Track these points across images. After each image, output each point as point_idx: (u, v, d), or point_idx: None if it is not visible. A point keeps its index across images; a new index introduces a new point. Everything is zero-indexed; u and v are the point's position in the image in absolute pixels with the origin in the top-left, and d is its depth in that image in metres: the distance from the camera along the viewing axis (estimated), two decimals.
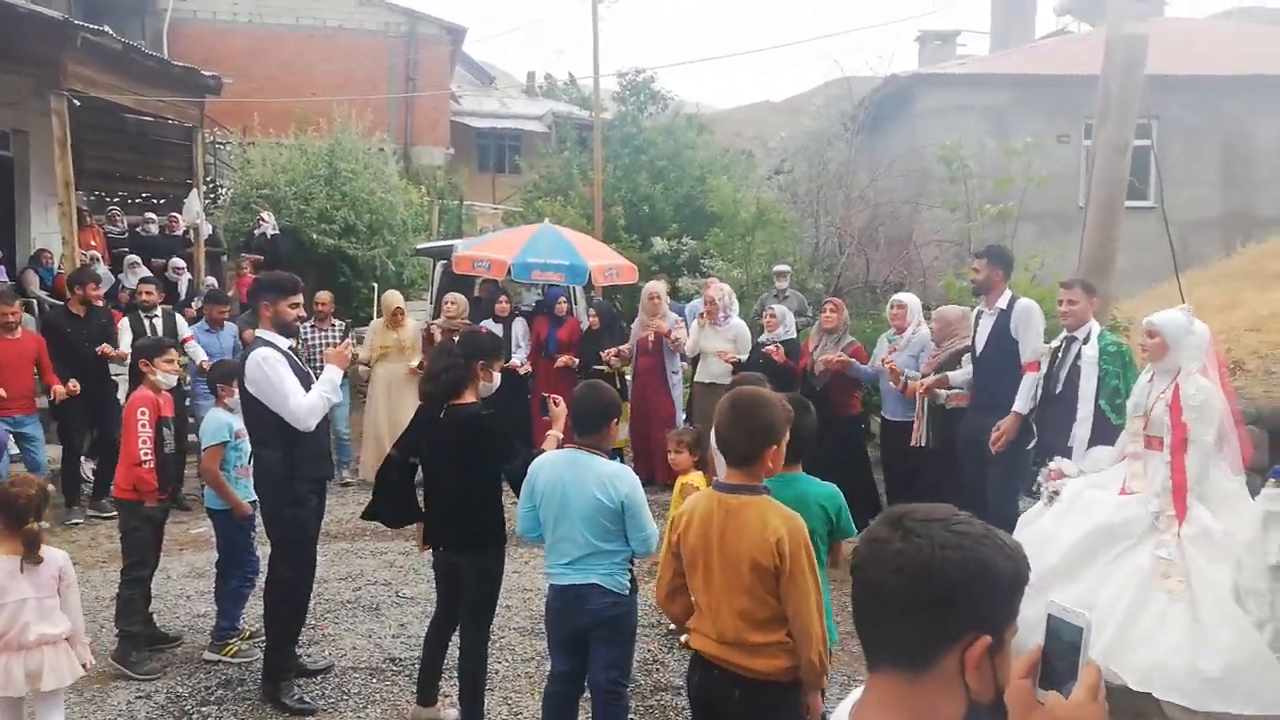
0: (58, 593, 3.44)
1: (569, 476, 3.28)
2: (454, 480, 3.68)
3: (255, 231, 12.21)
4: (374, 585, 5.99)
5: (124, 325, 7.65)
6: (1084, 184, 13.42)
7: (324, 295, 8.57)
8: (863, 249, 12.28)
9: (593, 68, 17.53)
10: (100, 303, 7.76)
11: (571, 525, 3.26)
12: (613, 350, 8.38)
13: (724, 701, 2.62)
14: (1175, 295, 6.89)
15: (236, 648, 4.81)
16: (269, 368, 4.06)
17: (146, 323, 7.68)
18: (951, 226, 12.09)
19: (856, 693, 1.35)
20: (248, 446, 4.84)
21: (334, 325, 8.45)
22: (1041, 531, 4.58)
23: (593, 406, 3.36)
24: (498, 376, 3.86)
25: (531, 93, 28.72)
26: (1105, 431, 4.96)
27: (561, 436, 3.51)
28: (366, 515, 4.16)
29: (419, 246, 13.26)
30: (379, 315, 8.82)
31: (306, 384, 4.21)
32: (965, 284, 7.77)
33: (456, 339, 4.35)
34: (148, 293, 7.88)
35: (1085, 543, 4.31)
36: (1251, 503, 4.03)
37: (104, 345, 7.36)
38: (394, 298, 8.67)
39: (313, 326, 8.33)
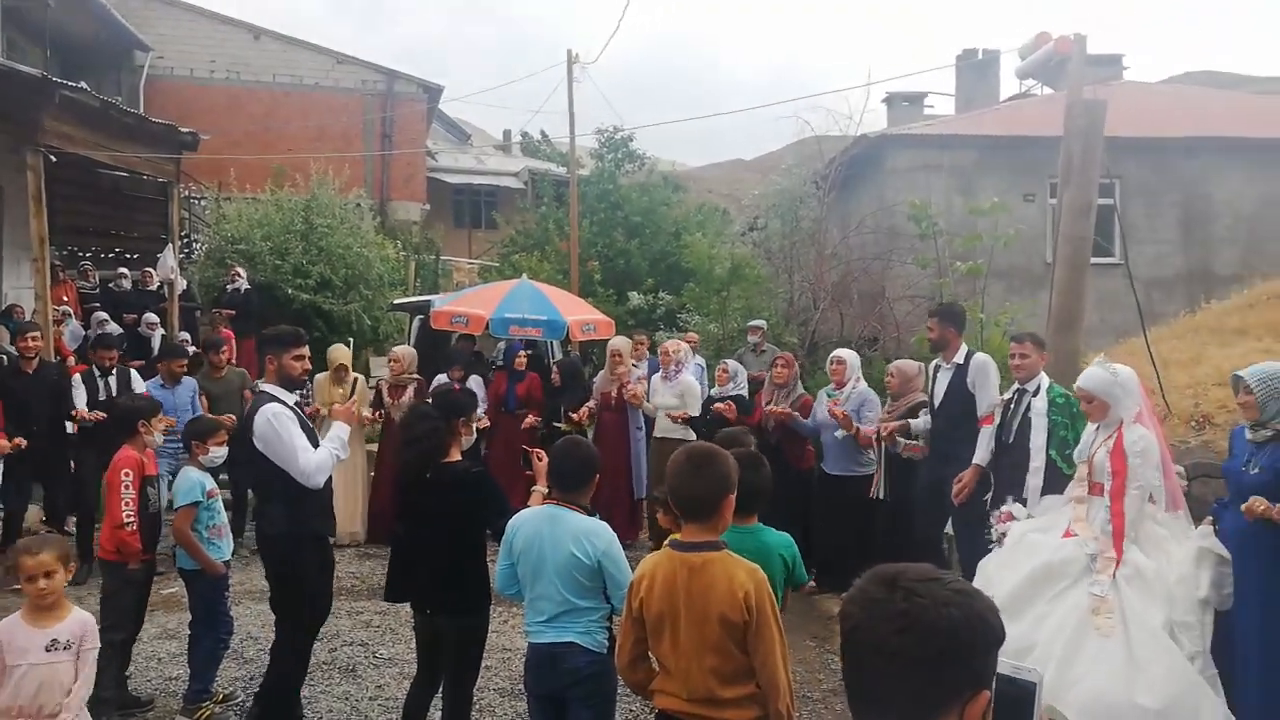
0: (77, 655, 3.37)
1: (546, 532, 3.27)
2: (443, 541, 3.66)
3: (229, 286, 12.18)
4: (350, 646, 5.88)
5: (77, 381, 7.52)
6: (1050, 241, 13.76)
7: None
8: (836, 304, 12.44)
9: (569, 126, 17.82)
10: (34, 354, 7.48)
11: (548, 582, 3.25)
12: (585, 410, 8.38)
13: None
14: (1143, 349, 7.05)
15: (209, 711, 4.70)
16: (279, 424, 4.07)
17: (100, 381, 7.54)
18: (922, 282, 12.31)
19: None
20: (220, 506, 4.85)
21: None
22: (986, 573, 4.73)
23: (575, 463, 3.36)
24: (475, 430, 3.87)
25: (507, 150, 29.06)
26: (1056, 481, 5.10)
27: (546, 492, 3.51)
28: (391, 598, 4.19)
29: (396, 301, 13.29)
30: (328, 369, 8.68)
31: (312, 440, 4.22)
32: None
33: (430, 400, 4.35)
34: (108, 358, 7.72)
35: (1027, 583, 4.42)
36: (1184, 541, 4.22)
37: (80, 409, 7.23)
38: (339, 353, 8.36)
39: None
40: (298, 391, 4.46)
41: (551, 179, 21.83)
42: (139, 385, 7.81)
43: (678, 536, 2.70)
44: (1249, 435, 4.14)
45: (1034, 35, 9.91)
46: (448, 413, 3.72)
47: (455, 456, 3.70)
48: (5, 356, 9.63)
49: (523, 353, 8.86)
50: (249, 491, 7.62)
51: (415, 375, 8.43)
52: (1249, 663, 3.95)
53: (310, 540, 4.30)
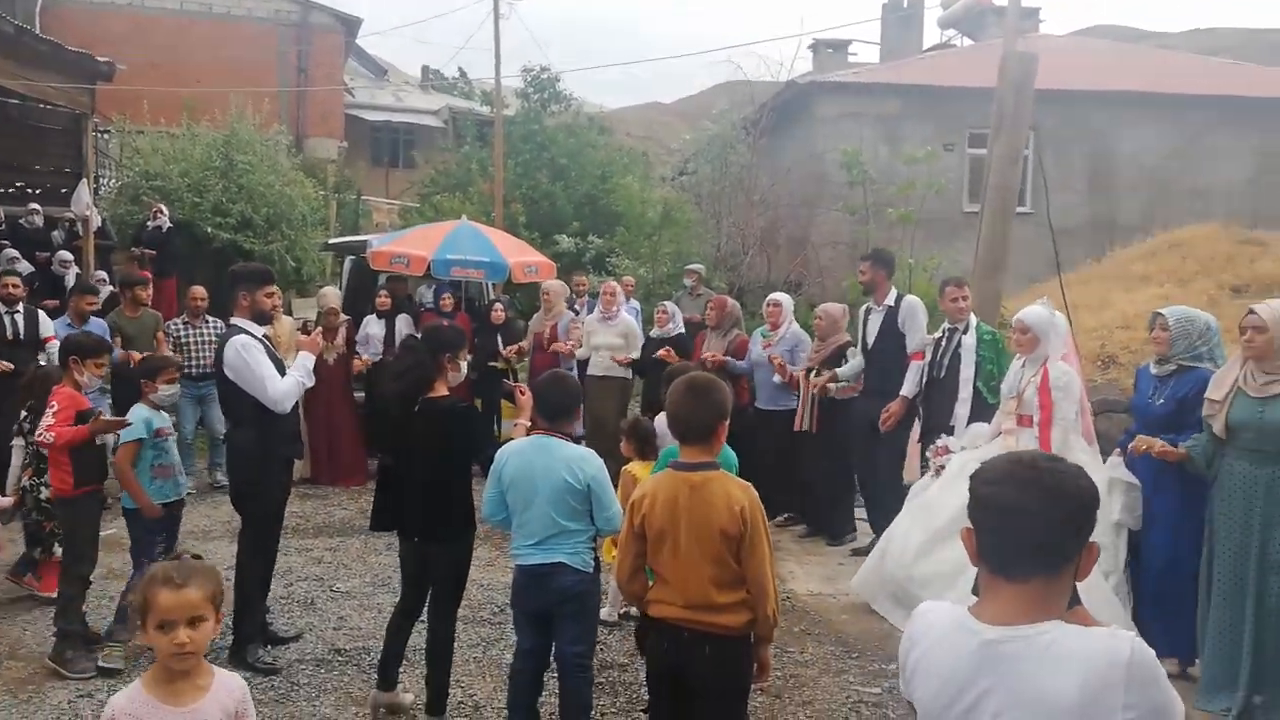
0: None
1: (537, 460, 3.44)
2: (431, 472, 3.78)
3: (150, 224, 11.77)
4: (305, 581, 5.96)
5: None
6: (967, 191, 14.29)
7: (198, 290, 8.18)
8: (764, 250, 12.77)
9: (494, 64, 17.52)
10: None
11: (540, 507, 3.42)
12: (513, 347, 8.57)
13: (694, 660, 2.82)
14: (1056, 294, 7.52)
15: (113, 652, 4.52)
16: (248, 354, 4.34)
17: (7, 319, 7.19)
18: (844, 229, 12.70)
19: (932, 606, 1.73)
20: (171, 446, 4.78)
21: (208, 321, 8.01)
22: (930, 499, 5.23)
23: (561, 394, 3.55)
24: (464, 367, 3.98)
25: (426, 87, 28.35)
26: (982, 410, 5.65)
27: (529, 425, 3.66)
28: (377, 526, 4.25)
29: (330, 241, 13.04)
30: None
31: (279, 370, 4.43)
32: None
33: (420, 334, 4.44)
34: (13, 285, 7.32)
35: (963, 510, 4.79)
36: (1098, 471, 4.59)
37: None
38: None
39: (185, 323, 8.02)
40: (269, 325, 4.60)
41: (474, 118, 21.45)
42: (46, 324, 7.52)
43: (679, 458, 2.90)
44: (1154, 370, 4.57)
45: None
46: (435, 348, 3.82)
47: (442, 391, 3.80)
48: None
49: (448, 295, 8.91)
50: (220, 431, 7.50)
51: (345, 316, 8.54)
52: (1150, 574, 4.44)
53: (276, 461, 4.60)
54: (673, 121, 33.79)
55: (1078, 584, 1.67)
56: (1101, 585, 4.31)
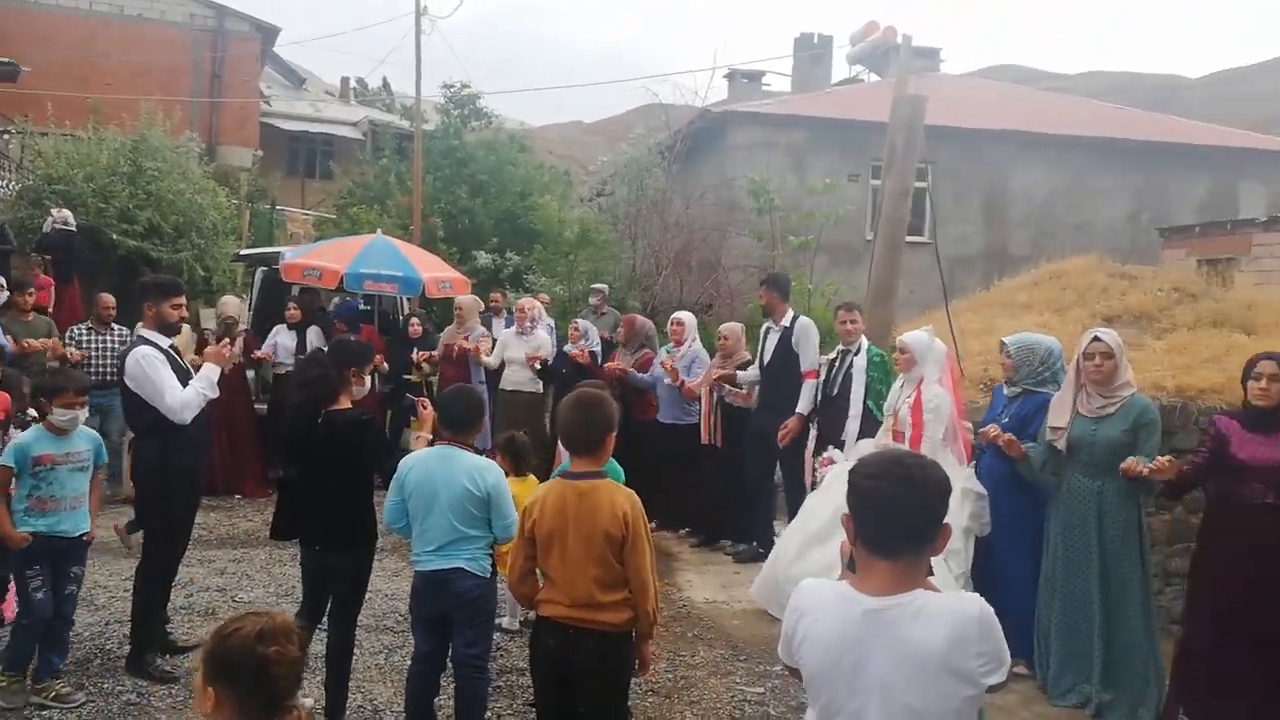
0: None
1: (439, 469, 3.62)
2: (332, 482, 3.91)
3: (54, 226, 11.45)
4: (207, 591, 5.98)
5: None
6: (870, 220, 14.92)
7: (107, 299, 8.06)
8: (677, 271, 13.09)
9: (415, 78, 17.55)
10: None
11: (440, 514, 3.60)
12: (424, 354, 8.69)
13: (579, 656, 3.04)
14: (945, 321, 8.00)
15: (55, 690, 4.33)
16: (147, 365, 4.39)
17: None
18: (755, 254, 13.14)
19: (815, 581, 2.05)
20: (61, 477, 4.33)
21: (114, 330, 7.93)
22: (809, 505, 5.67)
23: (463, 407, 3.75)
24: (369, 381, 4.13)
25: (346, 98, 28.10)
26: (872, 427, 6.05)
27: (430, 437, 3.84)
28: (278, 535, 4.37)
29: (241, 252, 12.89)
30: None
31: (185, 382, 4.50)
32: None
33: (327, 347, 4.57)
34: None
35: (836, 514, 5.22)
36: (957, 481, 4.94)
37: None
38: None
39: (89, 329, 7.91)
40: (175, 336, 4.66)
41: (394, 131, 21.39)
42: None
43: (567, 467, 3.14)
44: (1006, 391, 5.09)
45: (864, 23, 10.73)
46: (339, 361, 3.96)
47: (346, 404, 3.95)
48: None
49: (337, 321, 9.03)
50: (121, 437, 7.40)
51: (244, 328, 8.58)
52: (993, 573, 4.88)
53: (178, 473, 4.60)
54: (595, 141, 34.12)
55: (933, 577, 2.02)
56: (952, 585, 4.67)
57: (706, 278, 13.34)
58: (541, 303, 10.60)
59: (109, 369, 7.61)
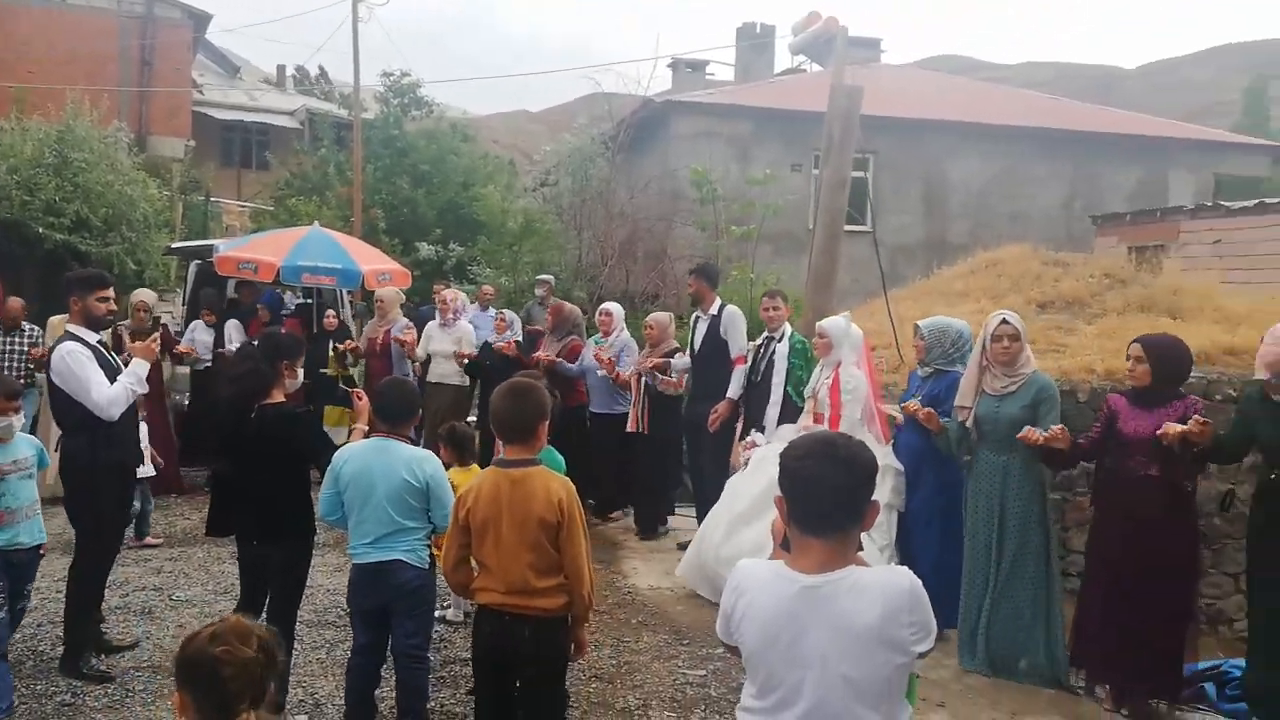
0: None
1: (376, 461, 3.59)
2: (266, 476, 3.86)
3: None
4: (143, 591, 5.86)
5: None
6: (813, 210, 15.09)
7: (15, 302, 7.85)
8: (622, 261, 13.10)
9: (353, 66, 17.28)
10: None
11: (377, 505, 3.57)
12: (349, 343, 8.58)
13: (515, 641, 3.05)
14: (884, 309, 8.14)
15: None
16: (72, 360, 4.30)
17: None
18: (700, 243, 13.21)
19: (751, 561, 2.10)
20: (9, 489, 4.25)
21: (24, 330, 7.75)
22: (734, 487, 5.81)
23: (400, 399, 3.72)
24: (300, 374, 4.08)
25: (282, 87, 27.55)
26: (792, 412, 6.16)
27: (367, 429, 3.80)
28: (213, 531, 4.31)
29: (174, 245, 12.58)
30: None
31: (114, 377, 4.40)
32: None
33: (257, 341, 4.49)
34: None
35: (762, 495, 5.39)
36: (879, 459, 5.23)
37: None
38: None
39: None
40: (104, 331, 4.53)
41: (332, 120, 21.04)
42: None
43: (501, 455, 3.13)
44: (920, 372, 5.31)
45: (806, 13, 10.87)
46: (271, 355, 3.90)
47: (278, 398, 3.89)
48: None
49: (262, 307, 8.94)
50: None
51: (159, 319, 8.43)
52: (914, 541, 5.11)
53: (107, 470, 4.51)
54: (540, 130, 33.94)
55: (862, 552, 2.08)
56: (877, 557, 4.88)
57: (652, 268, 13.37)
58: (485, 295, 10.56)
59: (18, 371, 7.53)
